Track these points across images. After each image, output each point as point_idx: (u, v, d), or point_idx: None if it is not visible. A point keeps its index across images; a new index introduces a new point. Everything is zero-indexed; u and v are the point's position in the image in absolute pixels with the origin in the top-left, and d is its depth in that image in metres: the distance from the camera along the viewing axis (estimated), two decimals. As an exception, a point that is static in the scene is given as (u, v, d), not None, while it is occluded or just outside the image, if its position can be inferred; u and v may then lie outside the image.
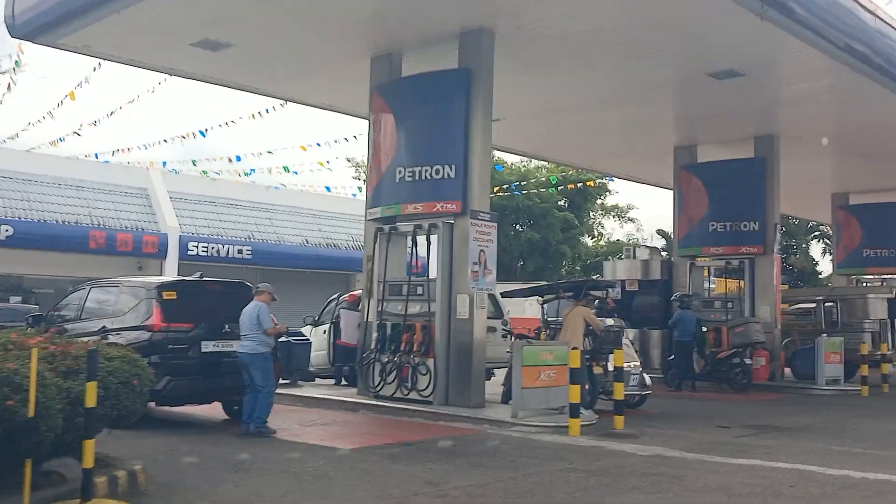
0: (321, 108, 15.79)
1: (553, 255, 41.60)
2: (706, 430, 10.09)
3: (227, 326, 9.51)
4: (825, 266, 37.84)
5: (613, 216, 45.75)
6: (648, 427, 10.26)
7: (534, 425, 9.71)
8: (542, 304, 13.16)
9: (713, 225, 17.10)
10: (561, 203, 42.59)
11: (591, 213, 44.33)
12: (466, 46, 11.54)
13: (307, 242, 29.01)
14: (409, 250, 12.47)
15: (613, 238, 45.50)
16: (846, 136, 17.60)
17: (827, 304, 17.17)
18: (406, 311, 11.48)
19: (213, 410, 10.41)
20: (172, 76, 14.48)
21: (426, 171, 11.53)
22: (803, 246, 37.46)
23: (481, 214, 11.26)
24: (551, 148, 19.98)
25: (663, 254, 21.23)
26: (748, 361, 15.13)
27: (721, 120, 16.34)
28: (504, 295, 13.62)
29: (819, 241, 37.58)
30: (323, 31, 11.96)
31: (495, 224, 11.48)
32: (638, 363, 12.13)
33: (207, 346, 9.49)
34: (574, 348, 10.13)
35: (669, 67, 13.28)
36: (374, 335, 11.81)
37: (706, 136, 17.50)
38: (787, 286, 31.58)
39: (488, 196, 11.83)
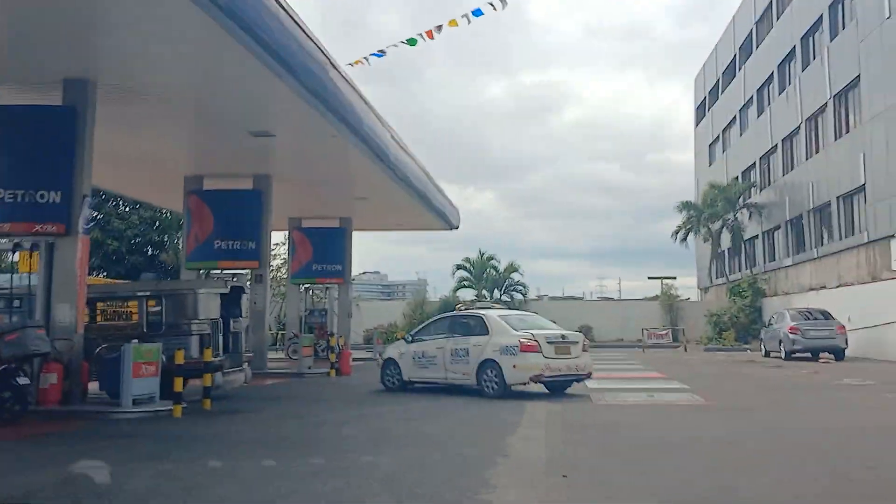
0: None
1: None
2: None
3: None
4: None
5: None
6: None
7: None
8: None
9: (-1, 193, 12.24)
10: None
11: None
12: None
13: None
14: None
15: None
16: (195, 102, 14.67)
17: (151, 301, 13.79)
18: None
19: None
20: None
21: None
22: (175, 242, 34.79)
23: None
24: None
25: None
26: (23, 381, 10.78)
27: (16, 48, 11.63)
28: None
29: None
30: None
31: None
32: None
33: None
34: None
35: None
36: None
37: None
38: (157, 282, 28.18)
39: None
